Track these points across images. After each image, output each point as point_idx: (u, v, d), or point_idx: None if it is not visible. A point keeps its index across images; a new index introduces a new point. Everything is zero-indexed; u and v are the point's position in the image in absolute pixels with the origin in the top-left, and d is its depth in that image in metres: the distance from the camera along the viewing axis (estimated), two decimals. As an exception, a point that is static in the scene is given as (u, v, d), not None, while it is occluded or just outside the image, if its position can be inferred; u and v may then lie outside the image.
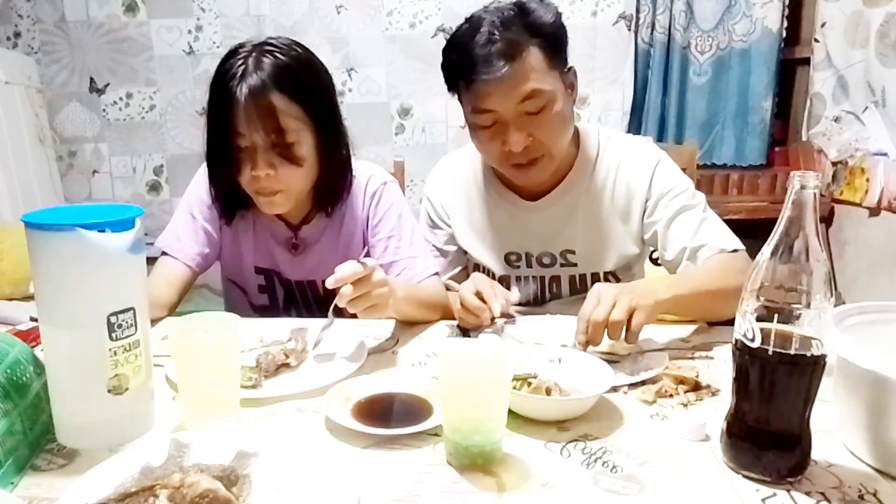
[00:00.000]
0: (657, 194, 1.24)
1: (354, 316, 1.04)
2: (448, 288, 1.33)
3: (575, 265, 1.31)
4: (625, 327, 0.94)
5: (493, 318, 1.10)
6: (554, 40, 1.13)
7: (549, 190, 1.28)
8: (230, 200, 1.26)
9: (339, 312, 1.03)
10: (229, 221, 1.29)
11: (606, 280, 1.31)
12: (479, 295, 1.10)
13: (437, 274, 1.28)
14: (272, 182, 1.14)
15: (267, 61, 1.11)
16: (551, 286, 1.32)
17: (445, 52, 1.18)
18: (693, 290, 1.06)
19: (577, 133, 1.28)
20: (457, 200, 1.36)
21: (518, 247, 1.32)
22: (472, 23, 1.13)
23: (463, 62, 1.11)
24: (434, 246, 1.37)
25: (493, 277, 1.32)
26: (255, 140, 1.12)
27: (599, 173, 1.28)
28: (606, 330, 0.94)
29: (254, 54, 1.12)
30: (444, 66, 1.18)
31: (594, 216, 1.28)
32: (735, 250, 1.16)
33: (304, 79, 1.15)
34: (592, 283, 1.30)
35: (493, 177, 1.33)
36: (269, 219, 1.29)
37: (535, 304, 1.33)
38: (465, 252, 1.38)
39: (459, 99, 1.20)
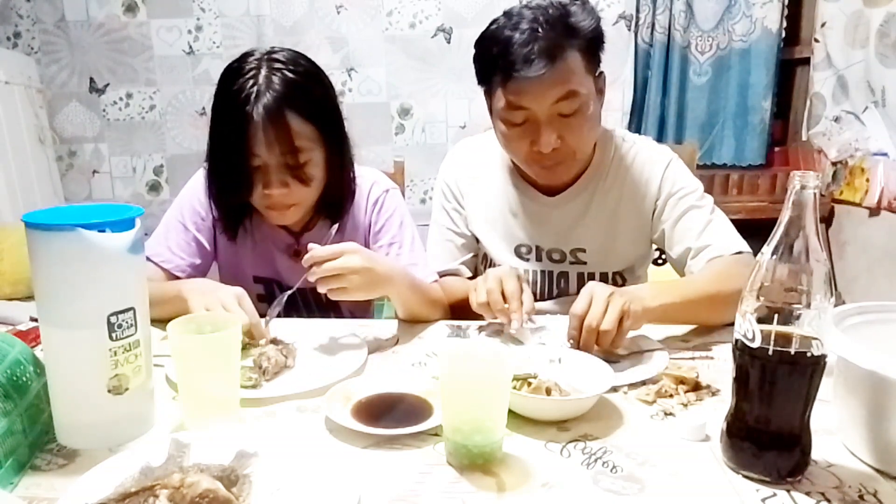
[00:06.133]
0: (666, 194, 1.25)
1: (353, 315, 1.04)
2: (457, 273, 1.34)
3: (584, 263, 1.31)
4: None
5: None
6: (593, 44, 1.14)
7: (566, 186, 1.29)
8: (233, 216, 1.24)
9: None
10: (233, 237, 1.28)
11: (613, 280, 1.31)
12: (503, 294, 1.07)
13: (436, 281, 1.28)
14: (284, 198, 1.15)
15: (278, 79, 1.10)
16: (559, 282, 1.33)
17: (482, 44, 1.16)
18: (683, 298, 1.05)
19: None
20: (472, 186, 1.36)
21: (530, 239, 1.32)
22: (513, 18, 1.11)
23: (502, 57, 1.10)
24: (447, 229, 1.38)
25: None
26: (268, 160, 1.12)
27: (614, 173, 1.29)
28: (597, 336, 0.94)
29: (263, 71, 1.10)
30: (479, 58, 1.17)
31: (607, 216, 1.28)
32: (739, 252, 1.15)
33: (315, 96, 1.15)
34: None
35: (512, 168, 1.33)
36: (270, 227, 1.28)
37: (539, 298, 1.33)
38: (477, 238, 1.38)
39: (489, 92, 1.18)
